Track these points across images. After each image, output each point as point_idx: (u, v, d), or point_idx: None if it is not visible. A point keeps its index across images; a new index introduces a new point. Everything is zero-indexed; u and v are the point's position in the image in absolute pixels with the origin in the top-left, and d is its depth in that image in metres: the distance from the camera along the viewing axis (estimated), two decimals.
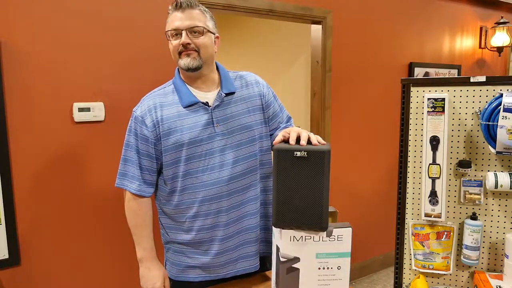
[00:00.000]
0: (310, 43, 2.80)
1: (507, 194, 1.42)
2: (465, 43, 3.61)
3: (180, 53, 1.25)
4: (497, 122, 1.31)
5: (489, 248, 1.45)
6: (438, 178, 1.42)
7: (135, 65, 2.00)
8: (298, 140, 1.07)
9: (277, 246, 1.07)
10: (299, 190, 1.02)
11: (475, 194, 1.44)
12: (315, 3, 2.61)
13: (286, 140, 1.09)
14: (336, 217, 2.57)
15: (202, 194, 1.27)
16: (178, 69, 1.36)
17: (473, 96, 1.42)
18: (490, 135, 1.35)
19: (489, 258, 1.46)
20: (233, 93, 1.33)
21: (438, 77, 3.32)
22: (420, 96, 1.47)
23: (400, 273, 1.55)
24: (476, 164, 1.44)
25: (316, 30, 2.72)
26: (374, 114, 3.04)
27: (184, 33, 1.23)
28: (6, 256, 1.75)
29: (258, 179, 1.36)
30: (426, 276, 1.51)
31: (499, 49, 3.65)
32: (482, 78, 1.40)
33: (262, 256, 1.43)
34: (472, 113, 1.43)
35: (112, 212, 2.00)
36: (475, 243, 1.39)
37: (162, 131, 1.26)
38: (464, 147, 1.45)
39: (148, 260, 1.34)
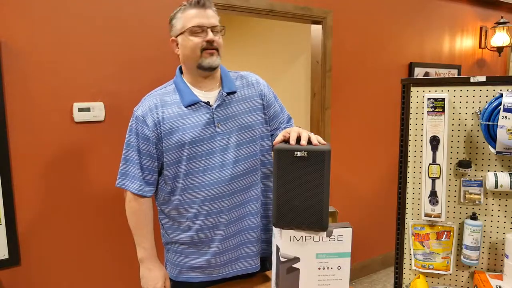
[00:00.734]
0: (310, 43, 2.80)
1: (507, 194, 1.42)
2: (465, 43, 3.61)
3: (202, 51, 1.24)
4: (497, 122, 1.31)
5: (489, 248, 1.45)
6: (438, 178, 1.42)
7: (135, 65, 2.00)
8: (298, 140, 1.07)
9: (277, 246, 1.07)
10: (299, 190, 1.02)
11: (475, 194, 1.44)
12: (315, 3, 2.61)
13: (286, 140, 1.09)
14: (336, 217, 2.57)
15: (203, 194, 1.27)
16: (179, 68, 1.36)
17: (473, 96, 1.42)
18: (490, 135, 1.35)
19: (489, 258, 1.46)
20: (234, 92, 1.33)
21: (438, 77, 3.32)
22: (420, 96, 1.47)
23: (400, 273, 1.55)
24: (476, 164, 1.44)
25: (316, 30, 2.72)
26: (374, 114, 3.04)
27: (209, 30, 1.23)
28: (6, 256, 1.75)
29: (259, 179, 1.36)
30: (426, 276, 1.51)
31: (499, 49, 3.65)
32: (482, 78, 1.40)
33: (263, 257, 1.43)
34: (472, 113, 1.43)
35: (112, 212, 2.00)
36: (475, 243, 1.39)
37: (163, 131, 1.26)
38: (464, 147, 1.45)
39: (149, 260, 1.34)
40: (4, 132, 1.70)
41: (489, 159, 1.42)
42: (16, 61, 1.72)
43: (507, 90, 1.38)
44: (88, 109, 1.88)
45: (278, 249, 1.06)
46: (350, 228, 1.05)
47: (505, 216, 1.43)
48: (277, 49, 3.84)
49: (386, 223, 3.19)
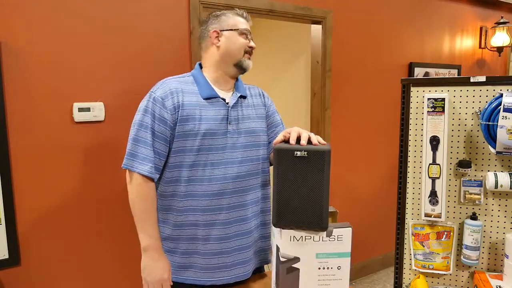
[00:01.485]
0: (310, 43, 2.80)
1: (507, 194, 1.42)
2: (465, 43, 3.61)
3: (246, 52, 1.36)
4: (497, 122, 1.31)
5: (489, 248, 1.45)
6: (438, 178, 1.42)
7: (135, 65, 2.00)
8: (298, 140, 1.07)
9: (277, 246, 1.07)
10: (299, 190, 1.02)
11: (475, 194, 1.44)
12: (315, 3, 2.61)
13: (286, 140, 1.09)
14: (336, 217, 2.57)
15: (205, 188, 1.27)
16: (199, 64, 1.41)
17: (473, 96, 1.42)
18: (490, 135, 1.35)
19: (489, 258, 1.46)
20: (245, 97, 1.40)
21: (438, 77, 3.32)
22: (420, 96, 1.47)
23: (400, 273, 1.55)
24: (476, 164, 1.44)
25: (316, 30, 2.72)
26: (374, 114, 3.04)
27: (251, 40, 1.38)
28: (6, 256, 1.75)
29: (259, 183, 1.38)
30: (426, 276, 1.51)
31: (499, 49, 3.65)
32: (482, 78, 1.40)
33: (260, 266, 1.45)
34: (472, 113, 1.43)
35: (112, 212, 2.00)
36: (475, 243, 1.39)
37: (181, 116, 1.25)
38: (464, 147, 1.45)
39: (154, 249, 1.26)
40: (4, 132, 1.70)
41: (489, 159, 1.42)
42: (16, 61, 1.72)
43: (507, 90, 1.38)
44: (88, 109, 1.88)
45: (278, 249, 1.06)
46: (350, 228, 1.05)
47: (505, 216, 1.43)
48: (277, 49, 3.84)
49: (386, 223, 3.20)
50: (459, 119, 1.44)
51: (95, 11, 1.87)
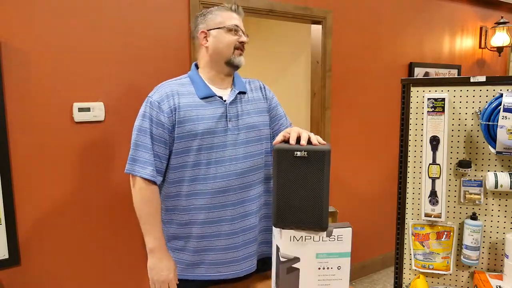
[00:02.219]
0: (310, 43, 2.80)
1: (507, 194, 1.42)
2: (465, 43, 3.61)
3: (235, 49, 1.34)
4: (497, 122, 1.31)
5: (489, 248, 1.45)
6: (438, 178, 1.42)
7: (135, 65, 2.00)
8: (298, 140, 1.07)
9: (277, 246, 1.07)
10: (299, 190, 1.02)
11: (475, 194, 1.44)
12: (315, 3, 2.61)
13: (286, 140, 1.09)
14: (336, 217, 2.57)
15: (210, 186, 1.29)
16: (195, 64, 1.41)
17: (473, 96, 1.42)
18: (490, 135, 1.35)
19: (489, 258, 1.46)
20: (244, 93, 1.39)
21: (438, 77, 3.32)
22: (420, 96, 1.47)
23: (400, 273, 1.55)
24: (476, 164, 1.44)
25: (316, 30, 2.72)
26: (374, 114, 3.04)
27: (242, 33, 1.35)
28: (6, 256, 1.75)
29: (262, 178, 1.39)
30: (426, 276, 1.51)
31: (499, 49, 3.65)
32: (482, 78, 1.40)
33: (265, 257, 1.44)
34: (472, 113, 1.43)
35: (112, 212, 2.00)
36: (475, 243, 1.39)
37: (178, 118, 1.27)
38: (464, 147, 1.45)
39: (160, 250, 1.30)
40: (4, 132, 1.70)
41: (489, 159, 1.42)
42: (16, 61, 1.72)
43: (507, 90, 1.38)
44: (88, 109, 1.88)
45: (278, 249, 1.06)
46: (350, 228, 1.05)
47: (505, 216, 1.42)
48: (277, 49, 3.84)
49: (386, 223, 3.19)
50: (459, 119, 1.44)
51: (95, 11, 1.87)
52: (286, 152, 1.02)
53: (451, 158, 1.46)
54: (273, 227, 1.08)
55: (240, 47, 1.34)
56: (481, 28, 3.70)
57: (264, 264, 1.43)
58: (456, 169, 1.45)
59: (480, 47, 3.74)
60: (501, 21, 3.56)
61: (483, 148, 1.42)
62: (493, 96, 1.39)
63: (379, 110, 3.06)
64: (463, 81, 1.43)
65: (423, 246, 1.48)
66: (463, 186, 1.45)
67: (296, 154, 1.01)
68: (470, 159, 1.45)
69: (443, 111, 1.39)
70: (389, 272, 3.23)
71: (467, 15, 3.58)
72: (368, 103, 2.99)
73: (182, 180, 1.30)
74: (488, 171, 1.43)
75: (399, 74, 3.15)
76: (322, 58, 2.70)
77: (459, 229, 1.47)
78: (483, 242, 1.45)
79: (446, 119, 1.39)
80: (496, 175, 1.37)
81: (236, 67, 1.36)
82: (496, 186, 1.37)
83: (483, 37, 3.71)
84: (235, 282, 1.37)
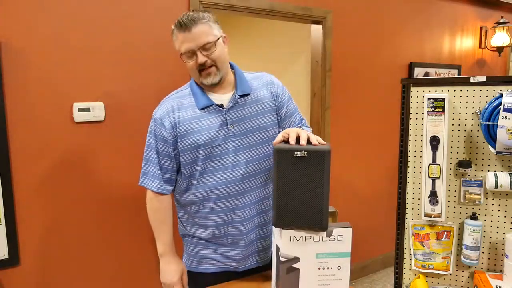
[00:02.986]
0: (310, 43, 2.80)
1: (507, 194, 1.42)
2: (465, 43, 3.61)
3: (200, 71, 1.27)
4: (497, 122, 1.30)
5: (489, 248, 1.45)
6: (438, 178, 1.42)
7: (135, 65, 2.00)
8: (298, 140, 1.07)
9: (277, 246, 1.07)
10: (299, 190, 1.02)
11: (475, 194, 1.44)
12: (315, 3, 2.61)
13: (286, 140, 1.09)
14: (336, 217, 2.57)
15: (216, 192, 1.32)
16: None
17: (473, 96, 1.42)
18: (490, 135, 1.35)
19: (489, 258, 1.46)
20: (247, 94, 1.35)
21: (438, 77, 3.32)
22: (420, 96, 1.47)
23: (400, 273, 1.55)
24: (476, 164, 1.44)
25: (316, 30, 2.72)
26: (374, 114, 3.04)
27: (198, 53, 1.24)
28: (6, 256, 1.75)
29: (264, 182, 1.40)
30: (426, 276, 1.51)
31: (499, 49, 3.65)
32: (482, 78, 1.40)
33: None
34: (472, 113, 1.43)
35: (112, 212, 2.00)
36: (475, 243, 1.39)
37: (179, 133, 1.31)
38: (464, 147, 1.45)
39: (168, 254, 1.40)
40: (4, 132, 1.70)
41: (489, 159, 1.42)
42: (16, 61, 1.72)
43: (507, 90, 1.38)
44: (88, 109, 1.88)
45: (278, 249, 1.06)
46: (350, 228, 1.05)
47: (505, 216, 1.42)
48: (277, 49, 3.84)
49: (386, 223, 3.19)
50: (459, 119, 1.44)
51: (95, 11, 1.87)
52: (286, 152, 1.02)
53: (451, 158, 1.46)
54: (273, 227, 1.08)
55: (201, 68, 1.26)
56: (481, 28, 3.69)
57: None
58: (456, 169, 1.45)
59: (480, 47, 3.74)
60: (501, 21, 3.56)
61: (483, 148, 1.42)
62: (493, 96, 1.39)
63: (379, 110, 3.06)
64: (463, 81, 1.43)
65: (423, 246, 1.48)
66: (463, 186, 1.45)
67: (296, 154, 1.01)
68: (470, 159, 1.44)
69: (443, 111, 1.39)
70: (389, 272, 3.23)
71: (467, 15, 3.58)
72: (368, 103, 2.99)
73: (190, 188, 1.36)
74: (488, 171, 1.43)
75: (399, 74, 3.15)
76: (322, 58, 2.70)
77: (459, 229, 1.46)
78: (483, 242, 1.45)
79: (446, 119, 1.39)
80: (496, 175, 1.37)
81: (211, 86, 1.29)
82: (496, 186, 1.37)
83: (483, 37, 3.71)
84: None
